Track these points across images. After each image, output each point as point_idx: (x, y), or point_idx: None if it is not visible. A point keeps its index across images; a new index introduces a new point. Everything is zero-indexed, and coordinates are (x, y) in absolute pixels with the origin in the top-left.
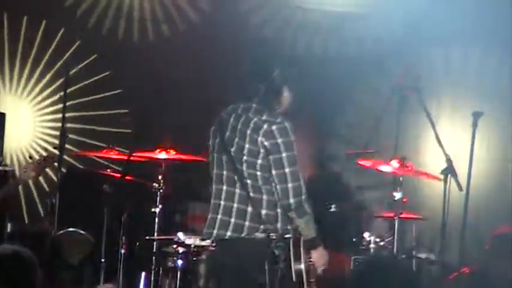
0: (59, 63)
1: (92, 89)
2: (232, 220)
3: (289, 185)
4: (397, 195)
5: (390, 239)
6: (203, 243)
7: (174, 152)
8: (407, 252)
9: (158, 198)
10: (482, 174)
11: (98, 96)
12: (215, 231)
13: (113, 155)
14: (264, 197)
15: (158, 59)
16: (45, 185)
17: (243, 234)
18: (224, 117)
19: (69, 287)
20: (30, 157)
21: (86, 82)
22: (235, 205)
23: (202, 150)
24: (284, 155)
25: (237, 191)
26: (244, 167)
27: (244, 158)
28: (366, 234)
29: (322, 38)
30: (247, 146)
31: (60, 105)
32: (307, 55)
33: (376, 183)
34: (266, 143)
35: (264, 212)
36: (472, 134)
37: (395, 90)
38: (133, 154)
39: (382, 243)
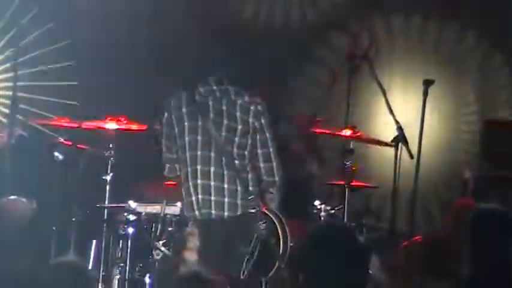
0: (13, 31)
1: (44, 58)
2: (226, 200)
3: (274, 163)
4: (348, 163)
5: (340, 207)
6: (153, 210)
7: (125, 121)
8: (357, 220)
9: (109, 166)
10: (433, 143)
11: (50, 66)
12: (213, 212)
13: (64, 122)
14: (250, 175)
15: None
16: None
17: (238, 213)
18: (199, 99)
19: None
20: None
21: (40, 51)
22: (225, 186)
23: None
24: (268, 135)
25: (226, 172)
26: (235, 148)
27: (236, 139)
28: (317, 202)
29: (268, 8)
30: (239, 127)
31: (11, 74)
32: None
33: (327, 152)
34: (256, 123)
35: (250, 189)
36: (422, 102)
37: (346, 59)
38: (84, 122)
39: (332, 211)
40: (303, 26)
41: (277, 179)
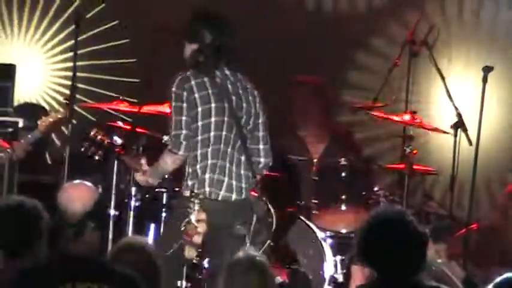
0: (69, 11)
1: (101, 37)
2: (235, 183)
3: (268, 145)
4: (408, 148)
5: (400, 193)
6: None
7: None
8: (417, 206)
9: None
10: (492, 128)
11: (107, 45)
12: (221, 193)
13: (123, 106)
14: (254, 158)
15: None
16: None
17: (243, 197)
18: (219, 82)
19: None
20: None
21: (95, 31)
22: (242, 172)
23: None
24: (264, 117)
25: (242, 158)
26: (248, 132)
27: (251, 122)
28: (376, 188)
29: None
30: (253, 111)
31: (70, 54)
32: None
33: (386, 137)
34: (261, 107)
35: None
36: (482, 89)
37: (406, 45)
38: (144, 106)
39: (391, 197)
40: (362, 11)
41: (270, 160)
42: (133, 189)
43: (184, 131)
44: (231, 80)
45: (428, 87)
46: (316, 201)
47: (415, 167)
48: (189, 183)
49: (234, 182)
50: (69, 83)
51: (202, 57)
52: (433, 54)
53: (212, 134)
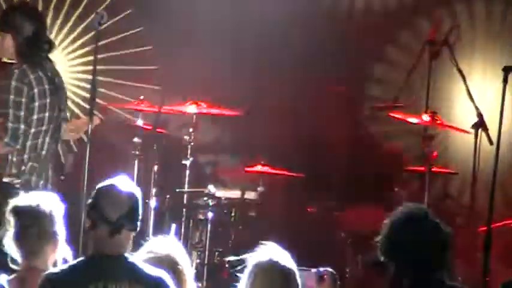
0: (92, 16)
1: (123, 43)
2: None
3: None
4: (428, 149)
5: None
6: (233, 195)
7: (205, 105)
8: (437, 206)
9: (189, 151)
10: None
11: (129, 51)
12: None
13: (144, 107)
14: None
15: (188, 15)
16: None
17: None
18: (51, 76)
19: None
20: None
21: (118, 36)
22: None
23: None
24: None
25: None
26: None
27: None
28: (396, 188)
29: None
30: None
31: (91, 57)
32: (334, 11)
33: (406, 137)
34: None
35: None
36: (502, 89)
37: (427, 45)
38: (164, 106)
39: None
40: (385, 10)
41: None
42: (154, 190)
43: (22, 126)
44: (54, 73)
45: (449, 87)
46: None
47: (435, 169)
48: (14, 171)
49: None
50: (90, 77)
51: (28, 49)
52: (454, 54)
53: (44, 128)
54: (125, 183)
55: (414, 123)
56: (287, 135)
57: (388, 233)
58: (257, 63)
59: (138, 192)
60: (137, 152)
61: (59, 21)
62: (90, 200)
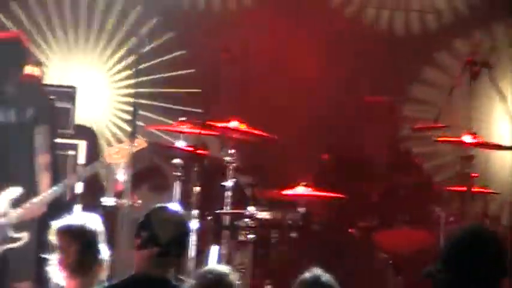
0: (133, 39)
1: (166, 67)
2: None
3: None
4: (468, 169)
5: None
6: (271, 216)
7: (245, 127)
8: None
9: (230, 172)
10: None
11: (171, 74)
12: None
13: (185, 128)
14: None
15: (233, 38)
16: None
17: None
18: None
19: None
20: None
21: (160, 59)
22: None
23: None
24: None
25: None
26: None
27: None
28: (437, 209)
29: (387, 15)
30: None
31: (133, 80)
32: (374, 32)
33: (447, 158)
34: None
35: None
36: None
37: (467, 66)
38: (205, 128)
39: (451, 219)
40: (424, 31)
41: None
42: (195, 212)
43: None
44: None
45: (488, 108)
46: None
47: (475, 189)
48: None
49: None
50: (131, 100)
51: None
52: (493, 75)
53: None
54: (177, 208)
55: (454, 144)
56: (326, 156)
57: (456, 247)
58: (294, 82)
59: (188, 220)
60: (178, 173)
61: (101, 44)
62: (141, 220)
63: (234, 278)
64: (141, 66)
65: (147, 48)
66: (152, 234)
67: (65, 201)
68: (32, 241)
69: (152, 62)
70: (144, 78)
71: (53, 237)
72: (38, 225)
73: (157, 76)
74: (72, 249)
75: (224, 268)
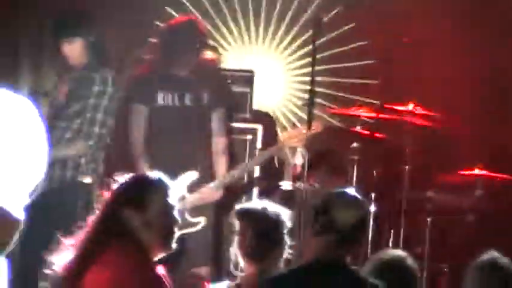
0: (305, 15)
1: (345, 56)
2: None
3: None
4: None
5: None
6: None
7: (422, 110)
8: None
9: (407, 155)
10: None
11: (350, 64)
12: None
13: (362, 112)
14: None
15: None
16: None
17: None
18: None
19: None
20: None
21: (339, 49)
22: None
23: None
24: None
25: None
26: None
27: None
28: None
29: None
30: None
31: (309, 59)
32: None
33: None
34: None
35: None
36: None
37: None
38: (382, 112)
39: None
40: None
41: None
42: (373, 195)
43: None
44: None
45: None
46: None
47: None
48: None
49: None
50: (308, 87)
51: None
52: None
53: None
54: (355, 192)
55: None
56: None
57: None
58: (481, 72)
59: (366, 204)
60: (356, 157)
61: (280, 32)
62: (320, 205)
63: (411, 262)
64: (318, 56)
65: (326, 38)
66: (330, 220)
67: (242, 186)
68: (209, 226)
69: (330, 52)
70: (321, 67)
71: (234, 220)
72: (215, 210)
73: (334, 66)
74: (248, 233)
75: (401, 252)
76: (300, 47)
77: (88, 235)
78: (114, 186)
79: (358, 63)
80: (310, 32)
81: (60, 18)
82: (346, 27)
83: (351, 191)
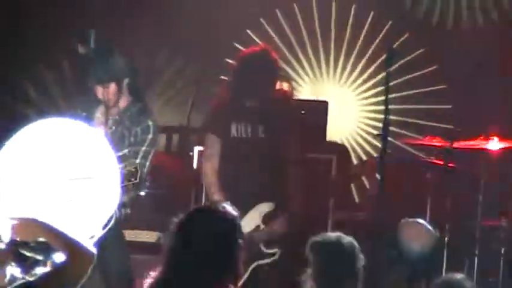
0: (375, 43)
1: (416, 82)
2: None
3: None
4: None
5: None
6: None
7: (497, 139)
8: None
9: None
10: None
11: (422, 90)
12: None
13: (436, 142)
14: None
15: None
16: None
17: None
18: None
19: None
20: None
21: (410, 76)
22: None
23: None
24: None
25: None
26: None
27: None
28: None
29: None
30: None
31: (382, 97)
32: None
33: None
34: None
35: None
36: None
37: None
38: (456, 142)
39: None
40: None
41: None
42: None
43: None
44: None
45: None
46: None
47: None
48: None
49: None
50: (381, 116)
51: None
52: None
53: None
54: (422, 225)
55: None
56: None
57: None
58: None
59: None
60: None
61: (351, 61)
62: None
63: (470, 284)
64: (391, 84)
65: (398, 64)
66: (400, 253)
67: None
68: (284, 256)
69: (403, 78)
70: (394, 95)
71: (308, 252)
72: (290, 240)
73: (407, 92)
74: (322, 266)
75: (460, 275)
76: (370, 77)
77: None
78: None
79: (431, 88)
80: (380, 60)
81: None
82: (417, 52)
83: (422, 221)
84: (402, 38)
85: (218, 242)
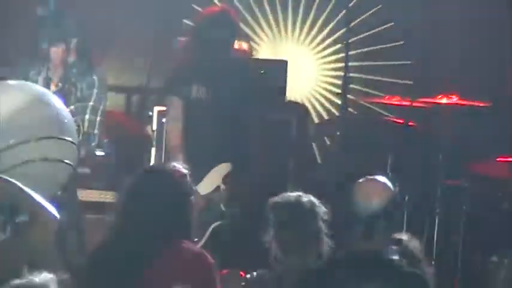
0: (342, 13)
1: (373, 39)
2: None
3: None
4: None
5: None
6: None
7: (456, 98)
8: None
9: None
10: None
11: (379, 46)
12: None
13: (395, 100)
14: None
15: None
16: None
17: None
18: None
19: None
20: None
21: (368, 33)
22: None
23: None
24: None
25: None
26: None
27: None
28: None
29: None
30: None
31: (342, 54)
32: None
33: None
34: None
35: None
36: None
37: None
38: (415, 100)
39: None
40: None
41: None
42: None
43: None
44: None
45: None
46: None
47: None
48: None
49: None
50: (340, 82)
51: None
52: None
53: None
54: (381, 182)
55: None
56: None
57: None
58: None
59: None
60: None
61: (310, 19)
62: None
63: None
64: (351, 40)
65: (357, 21)
66: (352, 212)
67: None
68: (244, 217)
69: (362, 36)
70: (353, 52)
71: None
72: (252, 201)
73: (366, 49)
74: (283, 226)
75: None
76: (330, 34)
77: None
78: None
79: (393, 62)
80: (340, 16)
81: None
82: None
83: (381, 178)
84: (371, 10)
85: (167, 200)
